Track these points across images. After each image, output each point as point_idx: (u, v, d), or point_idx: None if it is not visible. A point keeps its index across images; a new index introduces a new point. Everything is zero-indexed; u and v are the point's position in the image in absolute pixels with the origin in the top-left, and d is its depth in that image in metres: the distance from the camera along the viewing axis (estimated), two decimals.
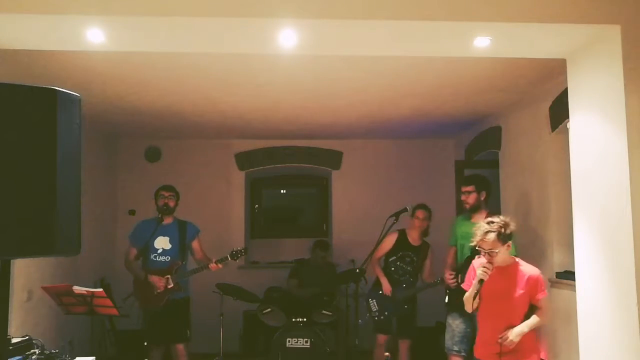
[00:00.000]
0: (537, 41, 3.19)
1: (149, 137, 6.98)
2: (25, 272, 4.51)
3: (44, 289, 4.15)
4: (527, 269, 3.40)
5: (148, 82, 4.53)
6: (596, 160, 3.15)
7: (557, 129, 4.56)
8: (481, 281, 3.28)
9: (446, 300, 4.66)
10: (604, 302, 3.10)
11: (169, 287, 4.70)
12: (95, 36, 3.01)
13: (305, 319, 5.40)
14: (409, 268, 5.13)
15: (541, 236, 4.79)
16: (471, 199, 4.57)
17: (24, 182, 1.50)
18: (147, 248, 4.78)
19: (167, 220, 4.89)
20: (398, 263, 5.13)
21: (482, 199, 4.59)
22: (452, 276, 4.52)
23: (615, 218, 2.97)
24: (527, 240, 4.80)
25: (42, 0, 2.78)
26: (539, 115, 4.85)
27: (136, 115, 5.73)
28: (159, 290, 4.69)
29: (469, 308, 3.48)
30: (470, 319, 4.45)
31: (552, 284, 4.57)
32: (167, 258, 4.81)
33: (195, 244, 4.97)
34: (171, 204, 4.87)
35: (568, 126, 3.60)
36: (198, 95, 4.94)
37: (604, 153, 3.08)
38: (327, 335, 5.54)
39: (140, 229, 4.93)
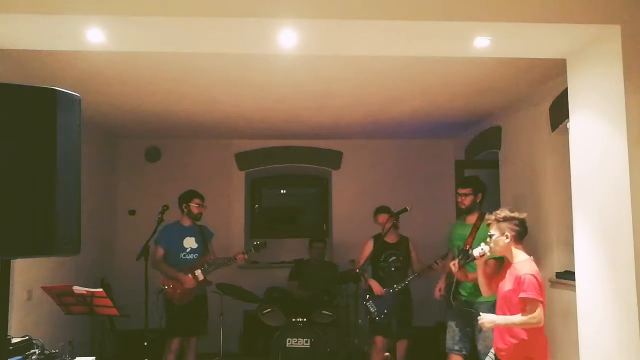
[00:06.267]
0: (537, 41, 3.19)
1: (149, 137, 6.98)
2: (25, 272, 4.50)
3: (44, 289, 4.15)
4: (520, 267, 3.33)
5: (148, 82, 4.53)
6: (596, 160, 3.16)
7: (557, 129, 4.56)
8: (472, 257, 3.57)
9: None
10: (604, 302, 3.10)
11: (200, 279, 5.09)
12: (95, 36, 3.01)
13: (305, 319, 5.40)
14: (397, 265, 5.15)
15: (541, 236, 4.79)
16: (467, 200, 4.63)
17: (23, 182, 1.49)
18: (176, 248, 5.18)
19: (188, 223, 5.28)
20: (383, 264, 5.15)
21: (478, 201, 4.65)
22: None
23: (615, 218, 2.97)
24: (526, 240, 4.79)
25: (42, 0, 2.78)
26: (539, 115, 4.85)
27: (136, 115, 5.73)
28: (190, 286, 5.04)
29: (483, 292, 3.68)
30: (469, 318, 4.45)
31: (552, 284, 4.56)
32: (195, 255, 5.22)
33: (210, 246, 5.40)
34: (203, 212, 5.34)
35: (568, 126, 3.60)
36: (198, 95, 4.94)
37: (604, 153, 3.08)
38: (327, 335, 5.53)
39: (167, 231, 5.22)
